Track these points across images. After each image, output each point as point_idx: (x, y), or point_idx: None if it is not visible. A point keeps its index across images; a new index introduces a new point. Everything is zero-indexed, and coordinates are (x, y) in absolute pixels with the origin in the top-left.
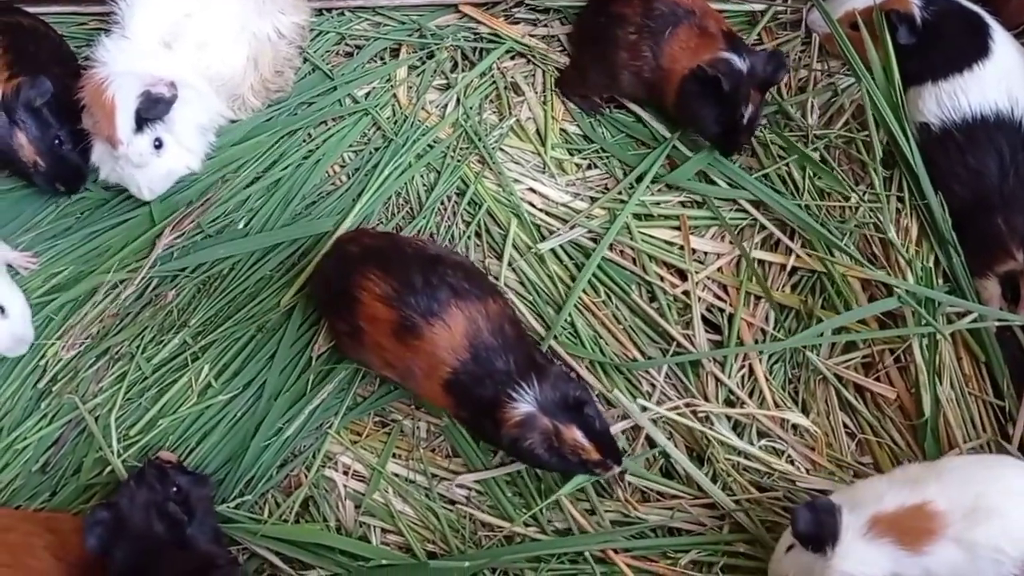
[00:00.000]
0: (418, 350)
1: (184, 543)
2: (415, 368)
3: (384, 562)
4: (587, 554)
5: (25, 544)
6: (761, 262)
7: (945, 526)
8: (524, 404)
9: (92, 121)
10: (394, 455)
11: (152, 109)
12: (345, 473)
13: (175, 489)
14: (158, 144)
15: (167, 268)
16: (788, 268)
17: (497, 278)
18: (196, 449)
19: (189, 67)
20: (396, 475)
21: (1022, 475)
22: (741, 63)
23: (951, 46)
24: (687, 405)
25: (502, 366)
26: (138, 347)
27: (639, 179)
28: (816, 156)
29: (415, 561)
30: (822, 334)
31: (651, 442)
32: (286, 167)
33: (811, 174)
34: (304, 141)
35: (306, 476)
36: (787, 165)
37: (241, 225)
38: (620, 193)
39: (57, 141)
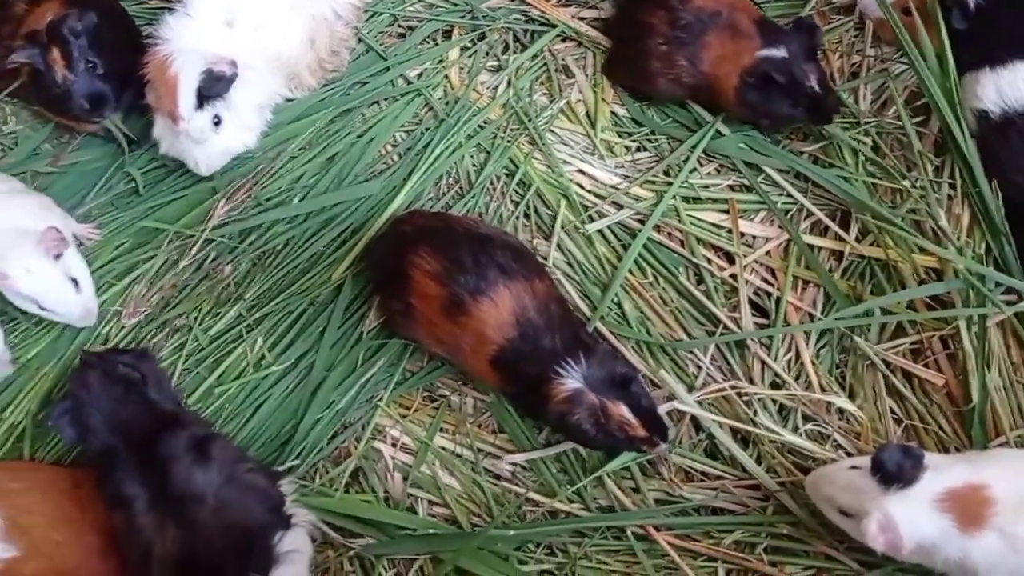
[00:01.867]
0: (466, 327)
1: (149, 407)
2: (463, 344)
3: (432, 531)
4: (629, 531)
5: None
6: (809, 247)
7: (994, 514)
8: (571, 380)
9: (155, 96)
10: (441, 429)
11: (213, 87)
12: (393, 445)
13: (120, 365)
14: (217, 121)
15: (222, 234)
16: (837, 254)
17: (545, 258)
18: (251, 419)
19: (249, 46)
20: (443, 449)
21: None
22: (781, 51)
23: (1014, 31)
24: (732, 387)
25: (548, 344)
26: (195, 319)
27: (686, 161)
28: (868, 142)
29: (460, 531)
30: (871, 313)
31: (695, 423)
32: (340, 146)
33: (862, 160)
34: (357, 120)
35: (356, 448)
36: (838, 150)
37: (295, 202)
38: (668, 174)
39: (90, 64)
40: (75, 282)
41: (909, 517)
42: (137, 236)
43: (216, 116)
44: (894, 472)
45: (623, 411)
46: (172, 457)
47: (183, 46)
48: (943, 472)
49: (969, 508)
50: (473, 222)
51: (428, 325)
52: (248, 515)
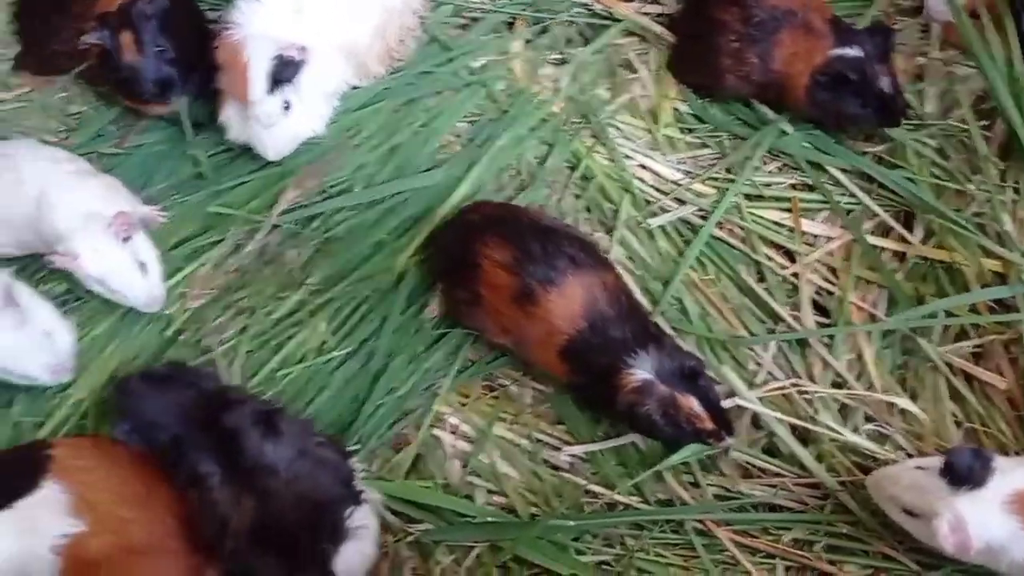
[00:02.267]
0: (535, 317)
1: (197, 391)
2: (531, 335)
3: (491, 519)
4: (688, 525)
5: None
6: (872, 248)
7: None
8: (642, 372)
9: (226, 81)
10: (500, 419)
11: (284, 72)
12: (453, 433)
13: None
14: (286, 106)
15: (287, 220)
16: (899, 255)
17: (606, 252)
18: (312, 402)
19: (318, 33)
20: (502, 438)
21: None
22: (855, 50)
23: None
24: (793, 385)
25: (619, 335)
26: (259, 302)
27: (748, 159)
28: (933, 144)
29: (518, 519)
30: (934, 315)
31: (755, 420)
32: (403, 135)
33: (927, 162)
34: (420, 110)
35: (415, 435)
36: (902, 152)
37: (358, 189)
38: (730, 172)
39: (159, 48)
40: (143, 266)
41: (979, 518)
42: (202, 220)
43: (286, 101)
44: (964, 473)
45: (692, 403)
46: (241, 430)
47: (254, 31)
48: (1011, 474)
49: None
50: (537, 214)
51: (495, 315)
52: (319, 488)
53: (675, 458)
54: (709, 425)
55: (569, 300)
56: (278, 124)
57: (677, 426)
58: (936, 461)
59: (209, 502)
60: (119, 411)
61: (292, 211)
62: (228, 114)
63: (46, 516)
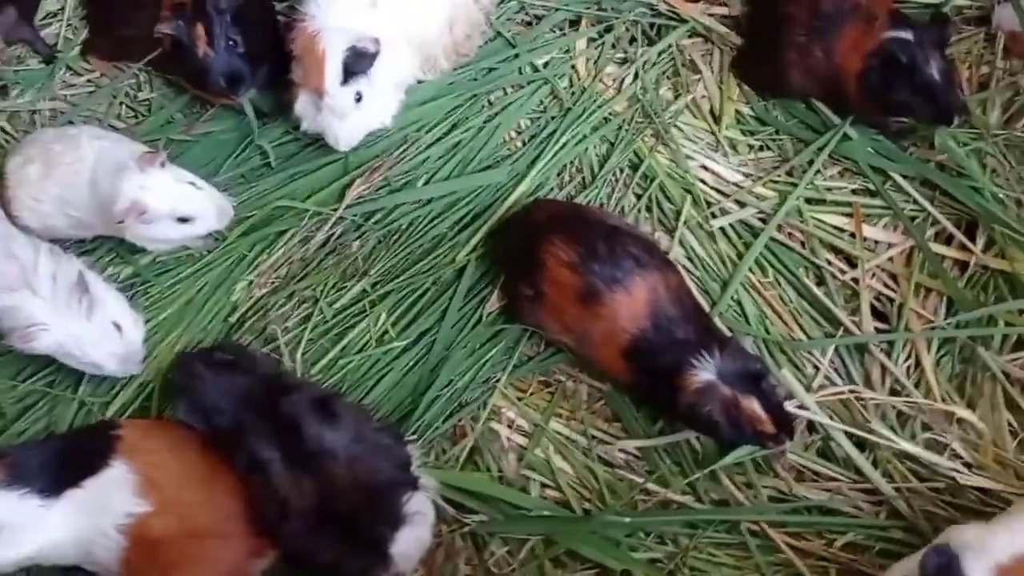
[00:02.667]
0: (599, 316)
1: (257, 378)
2: (593, 334)
3: (545, 513)
4: (742, 526)
5: None
6: (934, 255)
7: None
8: (705, 372)
9: (301, 71)
10: (556, 414)
11: (358, 63)
12: (509, 427)
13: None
14: (358, 98)
15: (352, 213)
16: (961, 264)
17: (666, 253)
18: (371, 392)
19: (390, 26)
20: (558, 433)
21: None
22: (907, 33)
23: None
24: (851, 391)
25: (682, 335)
26: (321, 292)
27: (810, 163)
28: (995, 153)
29: (574, 515)
30: (994, 323)
31: (811, 423)
32: (466, 130)
33: (991, 171)
34: (484, 106)
35: (472, 427)
36: (965, 160)
37: (420, 184)
38: (792, 175)
39: (231, 42)
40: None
41: None
42: (269, 210)
43: (358, 93)
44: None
45: (755, 406)
46: (299, 415)
47: (329, 23)
48: (984, 551)
49: None
50: (602, 213)
51: (557, 313)
52: (377, 472)
53: (729, 458)
54: (770, 428)
55: (634, 300)
56: (350, 116)
57: (738, 428)
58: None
59: (270, 486)
60: (181, 391)
61: (357, 204)
62: (301, 105)
63: (113, 495)
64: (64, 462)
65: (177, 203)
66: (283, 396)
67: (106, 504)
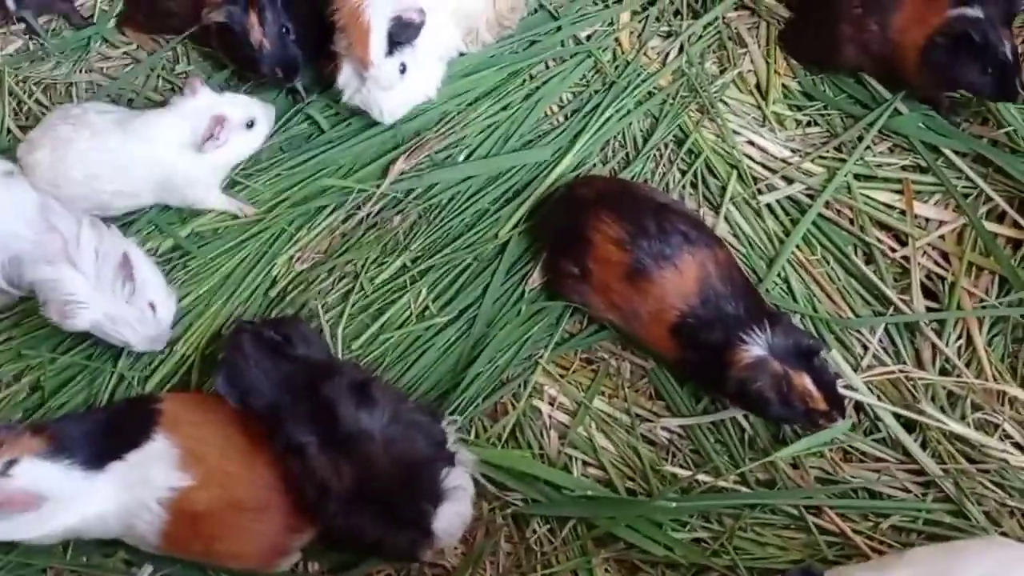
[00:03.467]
0: (647, 293)
1: (302, 361)
2: (641, 311)
3: (588, 493)
4: (789, 507)
5: None
6: (988, 233)
7: None
8: (756, 348)
9: (345, 43)
10: (599, 392)
11: (403, 33)
12: (551, 404)
13: (266, 330)
14: (403, 69)
15: (394, 190)
16: (1013, 242)
17: (712, 229)
18: (411, 368)
19: None
20: (600, 411)
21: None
22: (976, 10)
23: None
24: (901, 371)
25: (732, 311)
26: (362, 267)
27: (860, 139)
28: None
29: (617, 496)
30: None
31: (858, 403)
32: (507, 104)
33: None
34: (525, 80)
35: (513, 405)
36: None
37: (461, 158)
38: (840, 151)
39: (284, 30)
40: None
41: None
42: (311, 185)
43: (403, 64)
44: None
45: (807, 382)
46: (337, 399)
47: None
48: None
49: None
50: (650, 189)
51: (604, 290)
52: (414, 450)
53: (796, 446)
54: (822, 406)
55: (683, 277)
56: (395, 87)
57: (789, 405)
58: None
59: (309, 469)
60: (223, 363)
61: (400, 181)
62: (345, 77)
63: (156, 469)
64: (107, 435)
65: (242, 106)
66: (325, 381)
67: (148, 477)
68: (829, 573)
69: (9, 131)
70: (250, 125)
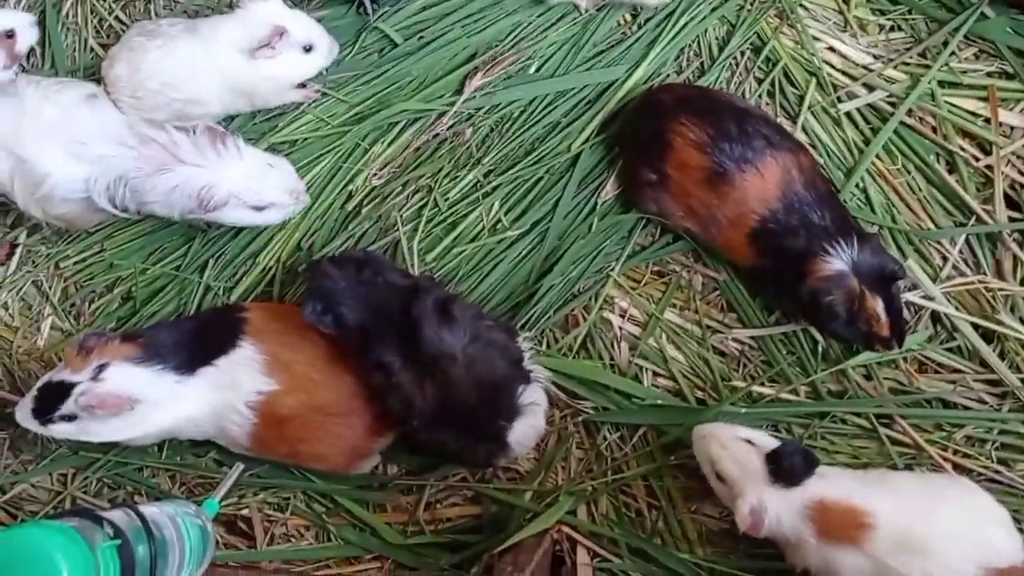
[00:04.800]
0: (727, 197)
1: (386, 281)
2: (720, 216)
3: (658, 402)
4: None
5: None
6: None
7: (868, 540)
8: (838, 262)
9: None
10: (670, 304)
11: None
12: (622, 316)
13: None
14: None
15: (467, 107)
16: None
17: None
18: (485, 281)
19: None
20: (671, 323)
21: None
22: None
23: None
24: (980, 282)
25: (817, 220)
26: (435, 181)
27: (944, 44)
28: None
29: (687, 404)
30: None
31: (935, 314)
32: (577, 18)
33: None
34: None
35: (584, 317)
36: None
37: (532, 69)
38: (924, 56)
39: None
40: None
41: (778, 513)
42: (382, 98)
43: None
44: (786, 471)
45: (879, 307)
46: (421, 320)
47: None
48: (823, 482)
49: (839, 526)
50: (730, 96)
51: (682, 196)
52: (493, 369)
53: (860, 358)
54: (886, 332)
55: (765, 181)
56: None
57: (853, 324)
58: (765, 440)
59: (394, 386)
60: (311, 292)
61: (470, 99)
62: None
63: (243, 374)
64: (196, 342)
65: (306, 27)
66: (411, 301)
67: (237, 382)
68: (820, 469)
69: (92, 49)
70: (308, 49)
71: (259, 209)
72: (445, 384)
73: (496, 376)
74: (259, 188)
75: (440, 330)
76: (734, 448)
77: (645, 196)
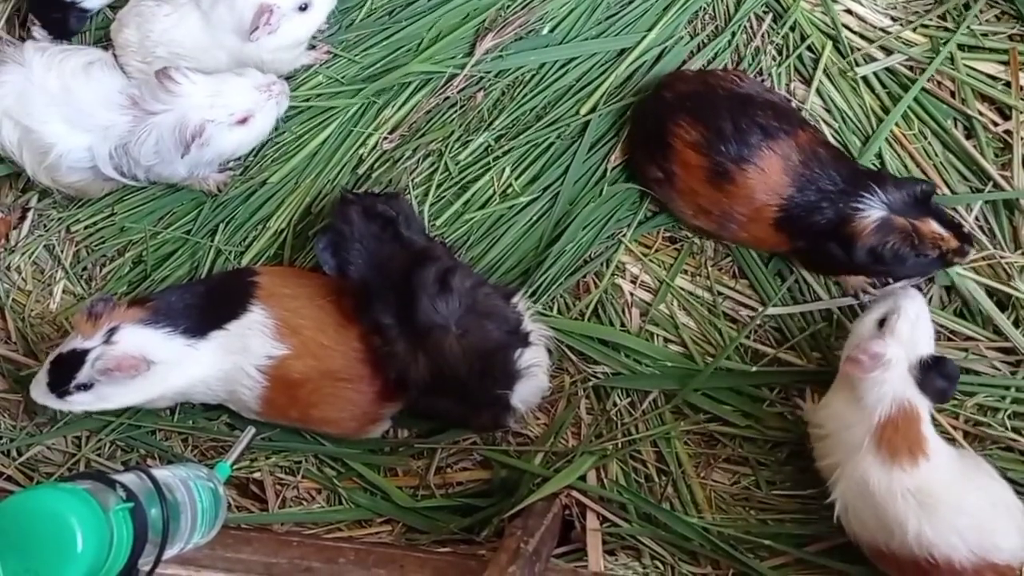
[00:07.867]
0: (735, 195)
1: (402, 243)
2: (735, 213)
3: (669, 364)
4: None
5: None
6: None
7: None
8: (875, 210)
9: None
10: (681, 270)
11: None
12: (633, 282)
13: (378, 204)
14: None
15: (478, 71)
16: None
17: (803, 103)
18: (495, 245)
19: None
20: (682, 289)
21: None
22: None
23: None
24: (995, 250)
25: (833, 186)
26: (446, 145)
27: (966, 6)
28: None
29: (697, 367)
30: None
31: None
32: None
33: None
34: None
35: (596, 283)
36: None
37: (545, 31)
38: (944, 19)
39: None
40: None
41: (883, 386)
42: (393, 60)
43: None
44: (933, 385)
45: (934, 226)
46: (418, 288)
47: None
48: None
49: (903, 439)
50: (733, 81)
51: (691, 194)
52: (488, 339)
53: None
54: (954, 243)
55: (767, 174)
56: None
57: (923, 254)
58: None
59: (390, 352)
60: (327, 227)
61: (480, 63)
62: None
63: (254, 338)
64: (207, 305)
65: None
66: (415, 268)
67: (247, 346)
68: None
69: (101, 12)
70: (303, 8)
71: (243, 122)
72: (438, 355)
73: (490, 346)
74: (225, 101)
75: (436, 301)
76: (921, 322)
77: (657, 194)
